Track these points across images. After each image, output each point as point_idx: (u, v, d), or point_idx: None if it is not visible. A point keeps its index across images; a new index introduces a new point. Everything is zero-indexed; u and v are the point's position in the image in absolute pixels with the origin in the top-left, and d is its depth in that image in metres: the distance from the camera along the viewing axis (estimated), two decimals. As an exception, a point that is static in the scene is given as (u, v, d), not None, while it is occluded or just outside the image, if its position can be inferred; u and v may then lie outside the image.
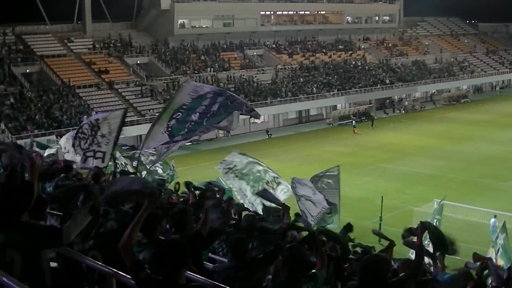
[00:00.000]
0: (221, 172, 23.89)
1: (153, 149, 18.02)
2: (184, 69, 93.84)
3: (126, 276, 7.33)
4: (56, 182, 14.46)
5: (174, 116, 13.11)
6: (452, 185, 57.78)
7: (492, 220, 43.32)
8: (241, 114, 13.01)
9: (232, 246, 10.06)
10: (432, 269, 12.97)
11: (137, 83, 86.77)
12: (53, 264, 8.41)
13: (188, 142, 17.72)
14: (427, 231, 10.44)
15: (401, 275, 9.43)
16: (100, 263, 8.00)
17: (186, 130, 12.88)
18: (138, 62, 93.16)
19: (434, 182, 58.92)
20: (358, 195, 53.97)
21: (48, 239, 7.08)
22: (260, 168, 23.78)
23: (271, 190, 23.09)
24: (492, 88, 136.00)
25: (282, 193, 23.32)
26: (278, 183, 23.70)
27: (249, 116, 12.24)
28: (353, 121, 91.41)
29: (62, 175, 15.05)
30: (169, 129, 13.01)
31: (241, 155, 23.99)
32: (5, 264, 6.81)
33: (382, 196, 45.31)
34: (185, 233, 9.43)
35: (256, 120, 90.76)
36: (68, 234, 7.06)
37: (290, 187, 21.75)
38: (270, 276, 10.17)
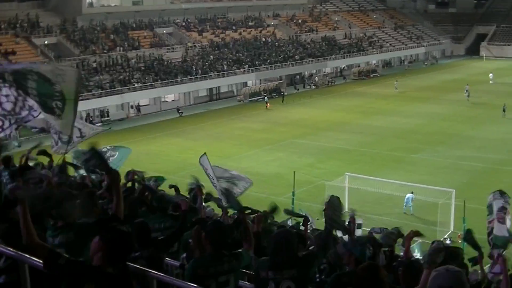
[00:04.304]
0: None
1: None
2: (93, 48, 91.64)
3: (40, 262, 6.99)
4: None
5: None
6: (365, 159, 58.20)
7: (409, 194, 43.59)
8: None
9: (136, 230, 9.90)
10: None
11: (45, 64, 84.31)
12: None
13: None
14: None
15: (311, 248, 9.38)
16: (10, 249, 7.77)
17: None
18: (46, 42, 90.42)
19: (346, 156, 59.22)
20: (271, 171, 53.76)
21: None
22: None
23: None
24: (400, 62, 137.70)
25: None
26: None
27: None
28: (266, 97, 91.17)
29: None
30: None
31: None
32: None
33: (294, 172, 44.99)
34: (94, 216, 9.32)
35: (167, 98, 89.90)
36: None
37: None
38: (185, 255, 10.57)
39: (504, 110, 76.02)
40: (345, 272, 9.42)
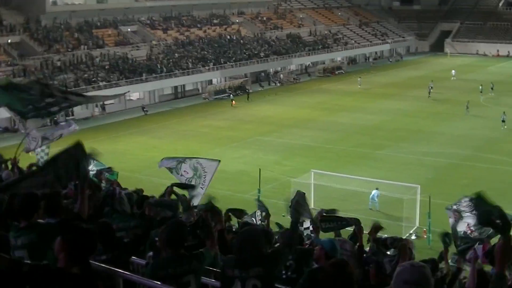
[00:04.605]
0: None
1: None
2: (57, 47, 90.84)
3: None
4: None
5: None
6: (330, 155, 58.35)
7: (374, 191, 43.78)
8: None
9: (100, 231, 9.48)
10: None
11: (9, 63, 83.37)
12: None
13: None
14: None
15: (276, 245, 9.82)
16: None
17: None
18: (10, 41, 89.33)
19: (311, 153, 59.31)
20: (237, 168, 53.67)
21: None
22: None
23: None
24: (365, 59, 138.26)
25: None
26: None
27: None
28: (231, 95, 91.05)
29: None
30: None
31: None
32: None
33: (259, 169, 45.03)
34: (61, 216, 8.97)
35: (132, 97, 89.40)
36: None
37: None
38: (151, 254, 10.38)
39: (467, 108, 76.54)
40: (318, 267, 9.36)
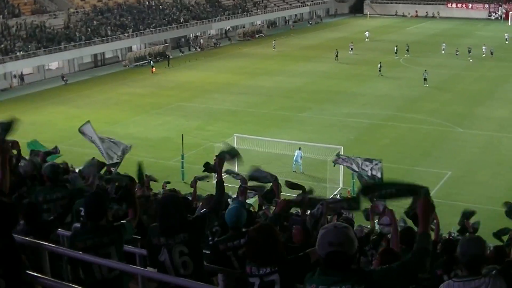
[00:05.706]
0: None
1: None
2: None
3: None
4: None
5: None
6: (252, 119, 58.49)
7: (297, 151, 44.11)
8: None
9: (25, 212, 9.66)
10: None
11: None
12: None
13: None
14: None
15: (202, 211, 9.76)
16: None
17: None
18: None
19: (234, 118, 59.40)
20: (159, 135, 53.50)
21: None
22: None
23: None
24: (285, 22, 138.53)
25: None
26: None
27: None
28: (151, 61, 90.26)
29: None
30: None
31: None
32: None
33: (182, 135, 44.86)
34: None
35: (51, 66, 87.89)
36: None
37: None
38: (78, 224, 9.97)
39: (379, 70, 77.03)
40: (221, 239, 9.30)
